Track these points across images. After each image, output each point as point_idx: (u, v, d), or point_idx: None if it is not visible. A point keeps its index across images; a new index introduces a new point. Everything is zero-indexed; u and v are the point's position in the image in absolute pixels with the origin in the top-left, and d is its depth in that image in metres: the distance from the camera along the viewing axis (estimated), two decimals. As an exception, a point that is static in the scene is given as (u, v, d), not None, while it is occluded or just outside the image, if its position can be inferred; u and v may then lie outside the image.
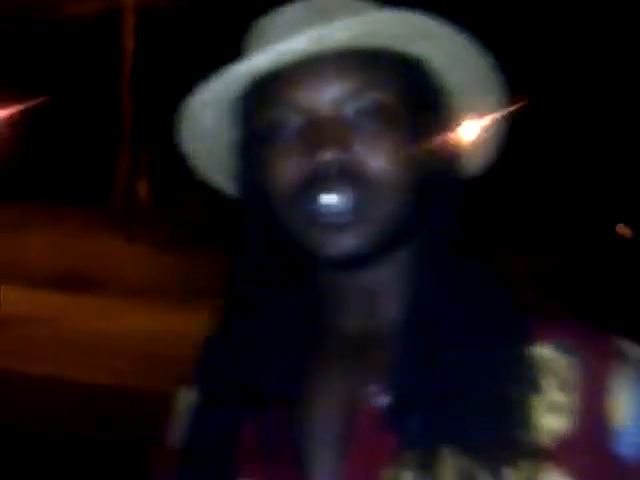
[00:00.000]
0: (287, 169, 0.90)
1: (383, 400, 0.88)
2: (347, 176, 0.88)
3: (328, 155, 0.87)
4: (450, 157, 0.94)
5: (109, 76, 17.59)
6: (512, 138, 1.02)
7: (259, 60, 0.90)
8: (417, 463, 0.85)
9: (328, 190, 0.88)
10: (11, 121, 16.68)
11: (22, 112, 15.88)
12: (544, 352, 0.88)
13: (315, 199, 0.88)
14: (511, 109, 1.01)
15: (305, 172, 0.88)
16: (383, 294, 0.94)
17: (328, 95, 0.89)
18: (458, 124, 0.98)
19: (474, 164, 1.01)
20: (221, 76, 0.92)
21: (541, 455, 0.84)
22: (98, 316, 10.78)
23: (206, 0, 17.21)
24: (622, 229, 14.86)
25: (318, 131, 0.88)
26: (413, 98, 0.92)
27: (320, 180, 0.88)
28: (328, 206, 0.88)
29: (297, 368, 0.95)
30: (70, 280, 12.95)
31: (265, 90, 0.91)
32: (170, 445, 1.03)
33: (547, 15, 16.47)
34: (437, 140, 0.93)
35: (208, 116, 0.96)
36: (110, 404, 6.76)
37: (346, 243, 0.89)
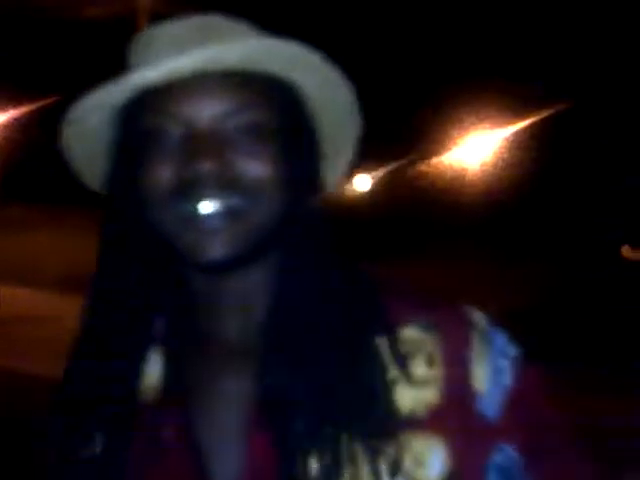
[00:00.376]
0: (164, 174, 0.96)
1: (261, 400, 0.96)
2: (222, 185, 0.95)
3: (206, 165, 0.94)
4: (314, 173, 1.03)
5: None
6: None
7: (150, 75, 0.96)
8: (301, 454, 0.93)
9: (204, 197, 0.94)
10: (21, 121, 16.77)
11: (32, 113, 15.96)
12: (410, 333, 0.99)
13: (191, 205, 0.95)
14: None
15: (182, 179, 0.95)
16: (253, 298, 1.01)
17: (210, 111, 0.96)
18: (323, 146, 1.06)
19: (333, 178, 1.10)
20: (110, 85, 0.98)
21: (414, 426, 0.95)
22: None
23: (218, 6, 17.28)
24: (628, 251, 14.84)
25: (198, 143, 0.95)
26: (285, 120, 1.00)
27: (196, 188, 0.94)
28: (203, 212, 0.95)
29: (178, 368, 1.02)
30: (74, 281, 12.97)
31: (150, 99, 0.98)
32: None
33: (592, 19, 16.40)
34: (303, 159, 1.01)
35: (92, 120, 1.01)
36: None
37: (220, 247, 0.95)
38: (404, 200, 17.57)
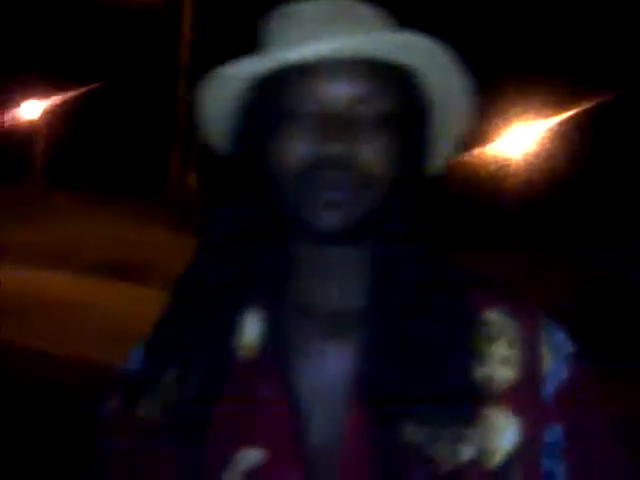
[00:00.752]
0: (297, 150, 1.03)
1: (360, 371, 1.04)
2: (347, 168, 1.02)
3: (338, 147, 1.01)
4: (422, 161, 1.10)
5: (167, 67, 17.72)
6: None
7: (288, 56, 1.03)
8: (396, 430, 1.01)
9: (330, 177, 1.02)
10: (68, 107, 16.92)
11: (79, 98, 16.11)
12: (494, 317, 1.08)
13: (317, 182, 1.02)
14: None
15: (314, 156, 1.02)
16: (354, 272, 1.09)
17: (344, 95, 1.03)
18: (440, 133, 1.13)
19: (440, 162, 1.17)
20: (256, 58, 1.06)
21: (494, 400, 1.04)
22: (144, 304, 10.88)
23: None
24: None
25: (332, 124, 1.02)
26: (407, 107, 1.07)
27: (325, 168, 1.02)
28: (327, 189, 1.02)
29: (277, 330, 1.08)
30: (118, 268, 13.10)
31: (287, 74, 1.04)
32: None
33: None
34: (417, 145, 1.09)
35: (228, 87, 1.09)
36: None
37: (338, 220, 1.03)
38: (448, 191, 17.44)
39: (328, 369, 1.06)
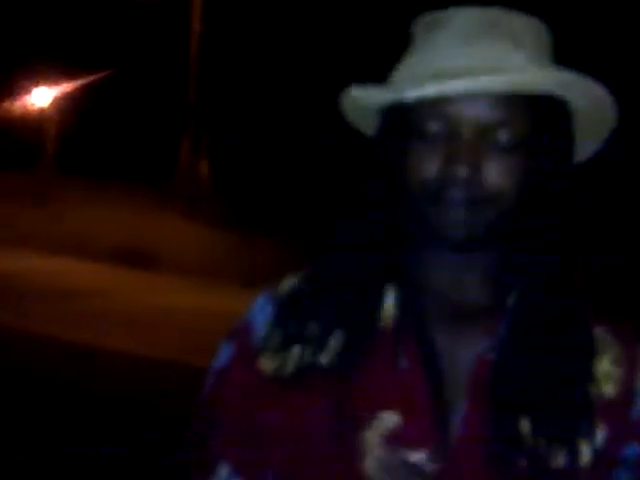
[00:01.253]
0: (427, 169, 1.09)
1: (491, 357, 1.11)
2: (471, 191, 1.07)
3: (462, 171, 1.07)
4: (557, 174, 1.14)
5: (177, 58, 17.73)
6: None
7: (429, 90, 1.07)
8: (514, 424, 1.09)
9: (455, 197, 1.08)
10: (79, 94, 16.93)
11: (90, 86, 16.12)
12: (601, 333, 1.14)
13: (444, 200, 1.08)
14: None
15: (442, 175, 1.08)
16: (477, 280, 1.15)
17: (476, 120, 1.08)
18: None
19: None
20: (399, 86, 1.11)
21: (596, 415, 1.11)
22: (154, 292, 10.92)
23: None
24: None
25: (461, 148, 1.08)
26: (544, 134, 1.11)
27: (451, 188, 1.07)
28: (453, 208, 1.08)
29: (413, 306, 1.15)
30: (129, 255, 13.15)
31: (428, 99, 1.08)
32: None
33: None
34: (553, 174, 1.13)
35: (370, 98, 1.15)
36: (161, 377, 6.93)
37: (461, 233, 1.09)
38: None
39: (456, 351, 1.12)
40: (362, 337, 1.13)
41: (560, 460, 1.09)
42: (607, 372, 1.13)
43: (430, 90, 1.07)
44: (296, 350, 1.13)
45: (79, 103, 17.52)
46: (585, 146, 1.18)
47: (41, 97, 17.99)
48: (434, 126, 1.09)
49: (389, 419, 1.10)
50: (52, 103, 17.89)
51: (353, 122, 1.22)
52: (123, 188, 15.87)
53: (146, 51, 18.80)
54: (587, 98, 1.12)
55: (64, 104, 17.84)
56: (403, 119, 1.12)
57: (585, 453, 1.10)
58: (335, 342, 1.13)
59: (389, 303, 1.15)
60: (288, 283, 1.20)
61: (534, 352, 1.11)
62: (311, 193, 14.87)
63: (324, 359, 1.12)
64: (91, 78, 16.75)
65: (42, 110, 18.00)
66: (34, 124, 17.84)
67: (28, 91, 17.83)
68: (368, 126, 1.19)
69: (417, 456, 1.09)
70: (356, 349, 1.12)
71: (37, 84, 17.63)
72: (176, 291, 11.18)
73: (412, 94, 1.08)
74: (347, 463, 1.09)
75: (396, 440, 1.09)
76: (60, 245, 13.01)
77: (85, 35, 18.79)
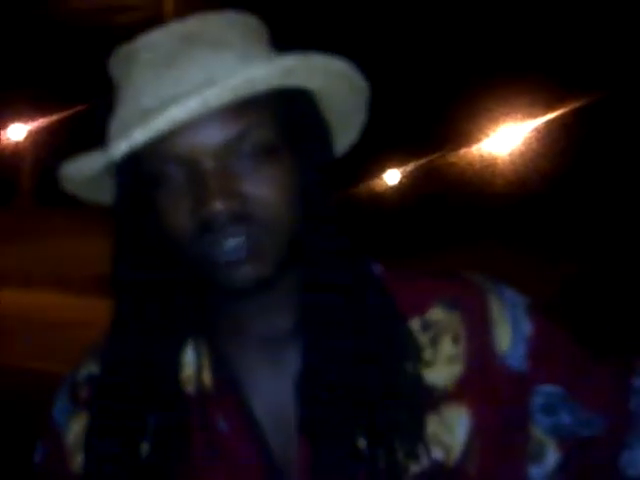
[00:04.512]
0: (179, 218, 0.96)
1: (302, 399, 1.00)
2: (237, 220, 0.94)
3: (217, 206, 0.93)
4: (328, 173, 1.03)
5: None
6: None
7: (137, 138, 0.93)
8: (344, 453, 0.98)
9: (222, 236, 0.94)
10: (50, 129, 16.89)
11: (62, 120, 16.07)
12: (437, 314, 1.04)
13: (211, 243, 0.95)
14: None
15: (197, 221, 0.95)
16: (279, 309, 1.04)
17: (211, 144, 0.94)
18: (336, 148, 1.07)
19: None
20: (107, 147, 0.97)
21: (445, 400, 1.01)
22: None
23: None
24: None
25: (204, 184, 0.93)
26: (292, 129, 0.99)
27: (213, 228, 0.94)
28: (224, 249, 0.95)
29: (220, 359, 1.05)
30: (105, 285, 13.07)
31: (151, 145, 0.94)
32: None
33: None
34: (316, 164, 1.01)
35: (88, 171, 1.03)
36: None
37: (247, 275, 0.96)
38: (433, 192, 17.50)
39: (274, 393, 1.03)
40: (168, 416, 1.01)
41: (423, 461, 0.99)
42: (450, 355, 1.03)
43: (138, 137, 0.92)
44: (101, 446, 1.02)
45: (55, 137, 17.49)
46: (348, 128, 1.08)
47: (16, 132, 17.94)
48: (170, 169, 0.95)
49: None
50: (27, 137, 17.84)
51: (91, 197, 1.09)
52: (104, 217, 15.80)
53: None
54: (323, 77, 0.99)
55: (40, 138, 17.80)
56: (136, 172, 0.98)
57: (450, 447, 1.00)
58: (150, 428, 1.01)
59: (187, 362, 1.04)
60: (84, 369, 1.12)
61: (342, 367, 0.99)
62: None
63: (143, 450, 1.01)
64: (66, 112, 16.70)
65: (17, 145, 17.95)
66: (10, 160, 17.78)
67: (3, 126, 17.78)
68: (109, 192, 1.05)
69: None
70: (168, 432, 1.01)
71: (12, 119, 17.58)
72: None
73: (122, 148, 0.93)
74: None
75: None
76: (40, 278, 12.93)
77: (61, 68, 18.77)
